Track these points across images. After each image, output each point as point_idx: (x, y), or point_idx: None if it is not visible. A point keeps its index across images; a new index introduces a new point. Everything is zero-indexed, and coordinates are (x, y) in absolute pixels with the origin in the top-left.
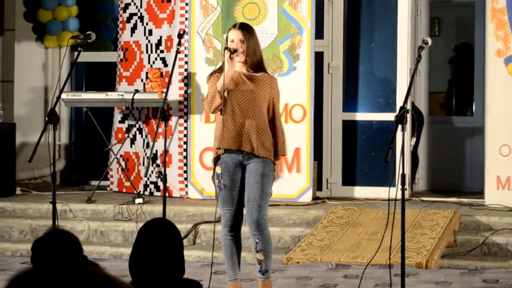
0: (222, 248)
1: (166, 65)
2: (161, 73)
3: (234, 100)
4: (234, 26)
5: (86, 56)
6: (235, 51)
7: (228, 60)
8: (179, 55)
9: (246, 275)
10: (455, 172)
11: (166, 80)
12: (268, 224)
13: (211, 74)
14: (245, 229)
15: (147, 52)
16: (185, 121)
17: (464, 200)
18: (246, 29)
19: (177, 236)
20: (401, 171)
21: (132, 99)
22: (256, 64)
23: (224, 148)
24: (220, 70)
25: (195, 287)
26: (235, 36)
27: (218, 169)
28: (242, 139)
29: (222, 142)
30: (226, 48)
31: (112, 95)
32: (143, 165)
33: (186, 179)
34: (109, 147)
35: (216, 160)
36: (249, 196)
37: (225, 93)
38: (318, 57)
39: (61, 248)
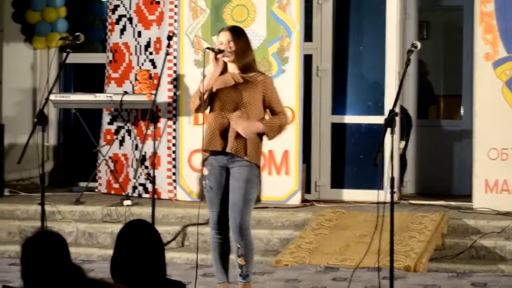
0: (211, 250)
1: (155, 66)
2: (150, 75)
3: (222, 101)
4: (223, 28)
5: (75, 58)
6: (220, 51)
7: (213, 61)
8: (168, 57)
9: (235, 277)
10: (443, 175)
11: (155, 82)
12: (251, 230)
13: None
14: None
15: (136, 54)
16: (174, 123)
17: (452, 203)
18: (235, 31)
19: (156, 237)
20: (390, 174)
21: (121, 100)
22: (246, 66)
23: (209, 149)
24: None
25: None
26: (223, 37)
27: (205, 171)
28: (227, 141)
29: (207, 144)
30: (208, 48)
31: (100, 97)
32: (132, 167)
33: (174, 181)
34: (98, 148)
35: (204, 161)
36: (232, 200)
37: (214, 95)
38: (307, 60)
39: (50, 249)
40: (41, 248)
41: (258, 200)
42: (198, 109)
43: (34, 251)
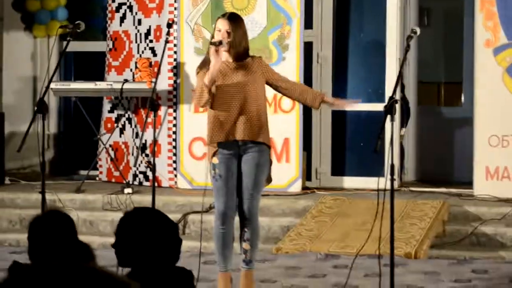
0: (214, 239)
1: (155, 54)
2: (150, 63)
3: (223, 91)
4: (223, 15)
5: (75, 46)
6: (220, 43)
7: (214, 54)
8: (168, 45)
9: (236, 265)
10: (444, 162)
11: (155, 69)
12: (258, 215)
13: (199, 68)
14: (237, 220)
15: (136, 42)
16: (174, 110)
17: (453, 190)
18: (234, 20)
19: (165, 224)
20: (390, 162)
21: (121, 88)
22: (240, 54)
23: (219, 141)
24: (205, 63)
25: (186, 275)
26: (222, 26)
27: (215, 159)
28: (236, 129)
29: (215, 137)
30: (211, 43)
31: (101, 85)
32: (132, 155)
33: (175, 169)
34: (98, 136)
35: (214, 153)
36: (243, 185)
37: (213, 87)
38: (308, 47)
39: (57, 228)
40: (48, 225)
41: (270, 180)
42: (205, 104)
43: (42, 228)
